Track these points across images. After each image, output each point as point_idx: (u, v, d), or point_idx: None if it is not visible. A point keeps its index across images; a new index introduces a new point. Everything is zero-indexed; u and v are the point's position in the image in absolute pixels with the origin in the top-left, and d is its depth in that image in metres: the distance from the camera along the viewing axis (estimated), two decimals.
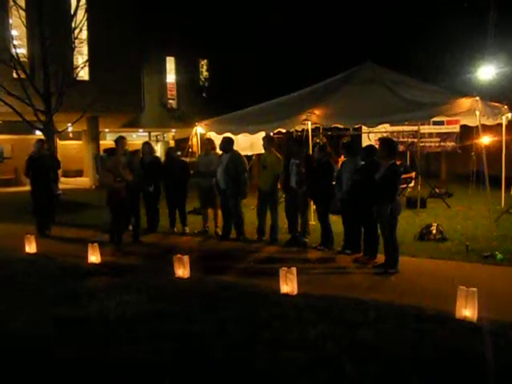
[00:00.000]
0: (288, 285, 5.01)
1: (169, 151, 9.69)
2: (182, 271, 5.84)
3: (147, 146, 9.02)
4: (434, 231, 7.60)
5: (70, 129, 24.12)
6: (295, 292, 5.02)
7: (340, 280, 5.73)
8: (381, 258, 6.17)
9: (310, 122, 8.97)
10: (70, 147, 25.49)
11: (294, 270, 5.03)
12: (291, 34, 19.80)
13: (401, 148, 13.96)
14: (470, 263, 6.27)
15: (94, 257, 6.73)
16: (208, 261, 6.81)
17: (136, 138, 28.09)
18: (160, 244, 8.17)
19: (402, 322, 4.25)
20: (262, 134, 8.88)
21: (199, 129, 10.53)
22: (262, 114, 10.37)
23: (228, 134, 9.36)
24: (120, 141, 9.24)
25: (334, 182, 6.94)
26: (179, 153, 10.76)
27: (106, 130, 25.80)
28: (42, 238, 8.42)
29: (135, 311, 4.63)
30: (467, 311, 4.10)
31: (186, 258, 5.85)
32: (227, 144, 8.15)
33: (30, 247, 7.46)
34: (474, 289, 4.14)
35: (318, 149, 7.12)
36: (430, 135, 14.08)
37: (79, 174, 24.88)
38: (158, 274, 6.03)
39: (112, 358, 3.67)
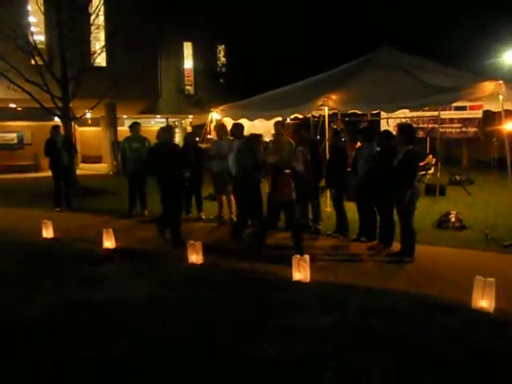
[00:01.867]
0: (301, 272, 4.96)
1: (186, 137, 9.67)
2: (196, 257, 5.83)
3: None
4: (453, 219, 7.43)
5: (88, 115, 24.37)
6: (308, 279, 4.97)
7: (354, 268, 5.65)
8: (396, 246, 6.06)
9: (326, 108, 8.81)
10: (89, 133, 25.76)
11: (306, 257, 4.97)
12: (310, 19, 19.49)
13: (421, 134, 13.69)
14: (488, 252, 6.11)
15: (108, 242, 6.77)
16: (221, 247, 6.79)
17: (154, 124, 28.18)
18: None
19: (416, 312, 4.16)
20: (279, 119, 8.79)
21: (215, 115, 10.47)
22: (278, 99, 10.24)
23: (243, 120, 9.29)
24: (135, 126, 9.33)
25: (349, 169, 6.82)
26: (197, 139, 10.71)
27: (124, 116, 25.91)
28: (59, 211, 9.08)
29: (145, 298, 4.64)
30: (484, 302, 3.98)
31: (199, 244, 5.84)
32: (237, 130, 8.07)
33: (47, 232, 7.55)
34: (492, 279, 4.02)
35: (332, 134, 7.00)
36: (451, 121, 13.75)
37: (98, 159, 25.13)
38: (171, 260, 6.04)
39: (119, 346, 3.67)
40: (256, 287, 4.88)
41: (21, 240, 7.29)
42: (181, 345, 3.62)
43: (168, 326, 3.95)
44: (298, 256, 5.00)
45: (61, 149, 9.47)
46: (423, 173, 11.05)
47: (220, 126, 8.90)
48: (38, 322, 4.14)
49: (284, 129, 8.06)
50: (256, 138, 7.29)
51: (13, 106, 18.70)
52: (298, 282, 4.94)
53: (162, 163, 7.08)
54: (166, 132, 7.61)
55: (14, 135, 19.77)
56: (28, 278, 5.41)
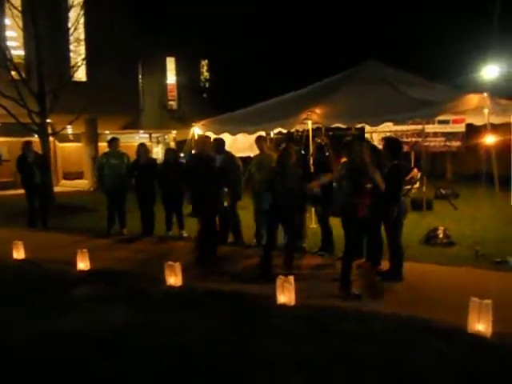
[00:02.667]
0: (285, 295, 4.68)
1: (166, 152, 9.38)
2: (174, 279, 5.51)
3: (142, 147, 8.71)
4: (441, 235, 7.24)
5: (69, 131, 23.97)
6: (293, 302, 4.68)
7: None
8: (385, 264, 5.82)
9: (310, 122, 8.63)
10: (70, 149, 25.28)
11: (291, 279, 4.69)
12: (292, 34, 19.54)
13: (405, 148, 13.60)
14: (479, 269, 5.90)
15: (82, 264, 6.41)
16: (203, 267, 6.47)
17: (138, 140, 27.85)
18: (154, 249, 7.84)
19: (407, 335, 3.90)
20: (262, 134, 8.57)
21: (196, 129, 10.22)
22: (260, 113, 10.03)
23: (226, 135, 9.05)
24: (113, 142, 9.03)
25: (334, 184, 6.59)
26: (182, 155, 10.41)
27: (107, 131, 25.52)
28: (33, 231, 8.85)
29: (118, 325, 4.31)
30: (480, 325, 3.74)
31: (177, 266, 5.52)
32: (219, 145, 7.84)
33: (18, 253, 7.15)
34: (488, 301, 3.78)
35: (316, 149, 6.80)
36: (435, 135, 13.70)
37: (79, 176, 24.62)
38: (148, 282, 5.70)
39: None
40: (237, 312, 4.57)
41: None
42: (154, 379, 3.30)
43: (139, 359, 3.63)
44: (283, 277, 4.72)
45: (33, 165, 9.11)
46: (409, 187, 10.92)
47: (201, 141, 8.63)
48: None
49: (266, 143, 7.82)
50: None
51: None
52: (283, 306, 4.65)
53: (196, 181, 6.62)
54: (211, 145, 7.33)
55: None
56: None
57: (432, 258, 6.51)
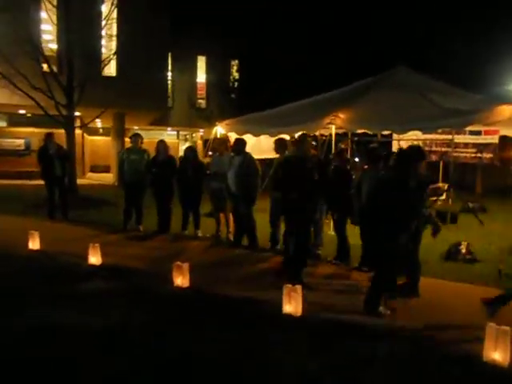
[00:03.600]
0: (291, 304, 4.50)
1: (186, 150, 9.30)
2: (181, 280, 5.40)
3: (161, 144, 8.66)
4: (464, 251, 6.91)
5: (99, 124, 24.37)
6: (299, 313, 4.50)
7: (352, 301, 5.15)
8: (400, 278, 5.56)
9: (333, 126, 8.44)
10: (99, 143, 25.66)
11: (298, 288, 4.51)
12: (323, 36, 19.27)
13: (433, 158, 13.20)
14: (502, 291, 5.57)
15: (94, 258, 6.39)
16: (212, 269, 6.36)
17: (165, 137, 28.10)
18: (168, 247, 7.78)
19: (417, 359, 3.67)
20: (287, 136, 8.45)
21: (219, 129, 10.17)
22: (284, 115, 9.90)
23: (248, 136, 8.95)
24: (135, 138, 9.03)
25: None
26: (210, 153, 10.29)
27: (135, 127, 25.84)
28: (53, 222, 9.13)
29: (117, 323, 4.23)
30: (497, 354, 3.47)
31: (185, 266, 5.42)
32: (239, 146, 7.70)
33: (34, 243, 7.20)
34: (507, 328, 3.51)
35: (336, 154, 6.59)
36: (466, 145, 13.24)
37: (106, 169, 24.97)
38: (156, 282, 5.62)
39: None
40: (239, 319, 4.42)
41: (4, 251, 6.94)
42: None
43: (132, 360, 3.52)
44: (290, 286, 4.54)
45: (53, 157, 9.20)
46: (434, 198, 10.54)
47: (220, 141, 8.54)
48: None
49: (285, 147, 7.64)
50: None
51: (22, 112, 18.67)
52: (288, 316, 4.47)
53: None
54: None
55: (22, 141, 19.68)
56: None
57: (452, 274, 6.20)
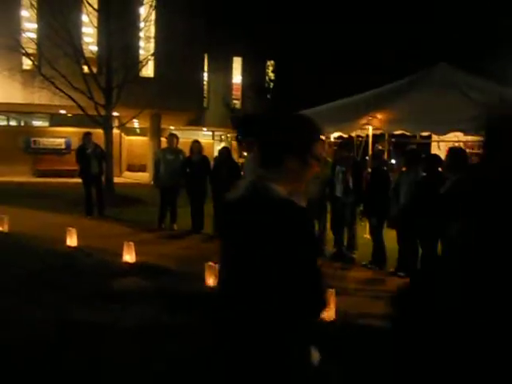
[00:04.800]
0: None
1: (220, 151, 9.31)
2: (213, 280, 5.38)
3: (195, 144, 8.70)
4: None
5: (136, 124, 24.85)
6: (332, 317, 4.38)
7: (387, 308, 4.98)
8: None
9: (371, 127, 8.25)
10: (136, 142, 26.17)
11: (332, 292, 4.39)
12: (360, 36, 18.95)
13: (475, 160, 12.70)
14: None
15: (128, 256, 6.47)
16: None
17: (201, 137, 28.39)
18: (201, 247, 7.79)
19: None
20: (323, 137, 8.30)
21: None
22: (320, 116, 9.74)
23: None
24: (170, 138, 9.11)
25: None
26: (245, 154, 10.34)
27: (171, 127, 26.21)
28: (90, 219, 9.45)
29: (146, 323, 4.23)
30: None
31: (217, 267, 5.38)
32: None
33: (71, 240, 7.36)
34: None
35: (373, 156, 6.41)
36: None
37: (143, 169, 25.44)
38: (188, 281, 5.62)
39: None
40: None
41: (43, 247, 7.13)
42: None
43: (168, 360, 3.51)
44: None
45: (91, 156, 9.41)
46: None
47: (254, 141, 8.48)
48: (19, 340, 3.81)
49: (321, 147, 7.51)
50: None
51: (63, 112, 19.24)
52: (320, 321, 4.36)
53: None
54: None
55: (62, 141, 20.29)
56: (33, 290, 5.15)
57: None
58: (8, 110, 20.11)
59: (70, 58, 12.74)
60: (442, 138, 10.72)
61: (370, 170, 7.75)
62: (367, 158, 8.43)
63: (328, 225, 7.12)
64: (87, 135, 9.56)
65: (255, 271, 1.50)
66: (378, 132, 9.43)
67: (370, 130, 8.23)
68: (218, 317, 1.69)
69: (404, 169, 6.50)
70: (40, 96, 15.38)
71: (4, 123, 22.09)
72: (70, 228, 7.43)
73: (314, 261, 1.52)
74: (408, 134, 9.64)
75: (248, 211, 1.56)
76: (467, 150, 10.48)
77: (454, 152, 5.26)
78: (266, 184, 1.55)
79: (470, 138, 11.45)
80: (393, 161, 13.54)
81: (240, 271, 1.57)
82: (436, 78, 8.88)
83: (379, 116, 7.95)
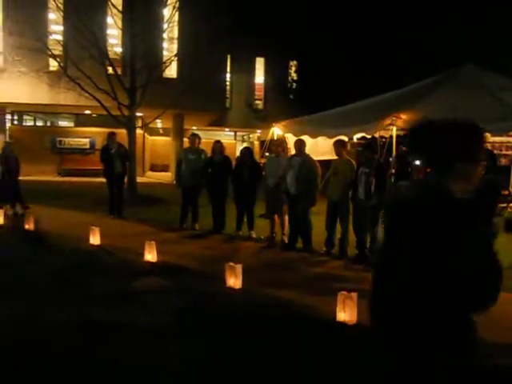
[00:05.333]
0: (346, 312, 4.31)
1: (242, 151, 9.31)
2: (234, 281, 5.37)
3: (217, 144, 8.71)
4: None
5: (159, 125, 25.10)
6: (354, 321, 4.31)
7: None
8: None
9: (394, 128, 8.10)
10: (159, 143, 26.44)
11: (354, 296, 4.32)
12: (384, 35, 18.69)
13: (503, 161, 12.41)
14: None
15: (150, 255, 6.51)
16: (266, 271, 6.28)
17: (223, 137, 28.48)
18: (222, 247, 7.80)
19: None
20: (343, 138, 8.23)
21: (276, 130, 10.09)
22: (343, 117, 9.65)
23: (306, 137, 8.80)
24: (192, 138, 9.16)
25: None
26: (267, 154, 10.30)
27: (194, 127, 26.37)
28: (113, 218, 9.64)
29: (167, 324, 4.25)
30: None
31: (238, 268, 5.37)
32: (299, 146, 7.59)
33: (94, 239, 7.46)
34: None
35: (396, 158, 6.30)
36: None
37: (165, 168, 25.67)
38: (209, 281, 5.63)
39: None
40: (291, 325, 4.30)
41: (67, 245, 7.25)
42: None
43: (173, 364, 3.50)
44: (345, 293, 4.36)
45: (114, 156, 9.52)
46: (503, 205, 9.87)
47: (277, 142, 8.46)
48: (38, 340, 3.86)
49: (345, 148, 7.43)
50: None
51: (87, 112, 19.56)
52: (343, 324, 4.30)
53: None
54: None
55: (87, 140, 20.65)
56: (57, 288, 5.23)
57: None
58: (35, 110, 20.58)
59: (95, 59, 12.94)
60: None
61: (393, 171, 7.63)
62: (391, 159, 8.28)
63: (350, 226, 7.04)
64: (111, 135, 9.69)
65: (436, 265, 1.65)
66: (402, 133, 9.26)
67: (394, 131, 8.07)
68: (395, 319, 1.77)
69: (428, 170, 6.35)
70: (66, 97, 15.66)
71: (31, 123, 22.60)
72: (94, 227, 7.53)
73: (489, 251, 1.74)
74: None
75: (426, 209, 1.72)
76: (495, 152, 10.25)
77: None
78: (440, 185, 1.76)
79: (497, 138, 11.21)
80: (417, 162, 13.32)
81: (419, 267, 1.69)
82: (462, 78, 8.67)
83: (403, 116, 7.78)
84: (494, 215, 5.12)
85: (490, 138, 10.63)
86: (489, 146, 11.12)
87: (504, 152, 12.26)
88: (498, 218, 6.04)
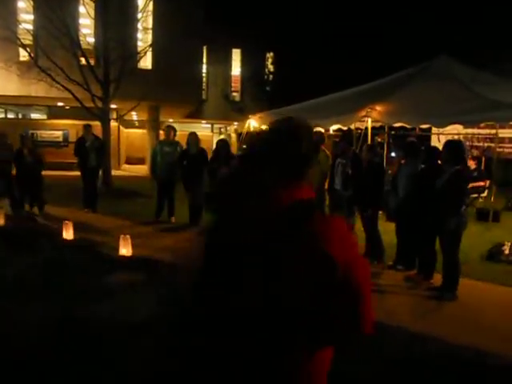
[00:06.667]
0: None
1: (218, 143, 9.22)
2: None
3: (192, 136, 8.61)
4: (507, 251, 6.55)
5: (134, 117, 24.71)
6: None
7: (386, 301, 4.95)
8: (438, 278, 5.31)
9: (369, 119, 8.19)
10: (134, 135, 26.04)
11: None
12: (360, 27, 18.79)
13: (475, 153, 12.65)
14: None
15: (124, 249, 6.41)
16: None
17: (200, 130, 28.22)
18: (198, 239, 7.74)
19: (453, 365, 3.45)
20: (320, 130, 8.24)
21: (252, 122, 10.08)
22: (319, 108, 9.70)
23: None
24: (167, 130, 9.03)
25: (385, 187, 6.15)
26: (244, 146, 10.26)
27: (170, 120, 26.05)
28: (87, 212, 9.45)
29: (144, 318, 4.18)
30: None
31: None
32: None
33: (67, 234, 7.31)
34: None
35: (367, 149, 6.35)
36: (510, 140, 12.62)
37: (141, 161, 25.33)
38: (186, 274, 5.57)
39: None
40: None
41: (39, 240, 7.07)
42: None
43: (153, 357, 3.46)
44: None
45: (89, 149, 9.33)
46: (475, 196, 10.09)
47: (252, 134, 8.43)
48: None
49: (323, 141, 7.44)
50: None
51: (60, 104, 19.11)
52: None
53: None
54: None
55: (60, 133, 20.17)
56: (29, 286, 5.11)
57: (494, 276, 5.87)
58: (5, 102, 19.97)
59: (67, 49, 12.61)
60: (441, 130, 10.67)
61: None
62: (361, 150, 8.37)
63: None
64: (87, 127, 9.49)
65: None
66: (378, 124, 9.36)
67: (369, 123, 8.16)
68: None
69: (403, 161, 6.43)
70: (37, 88, 15.23)
71: (2, 116, 21.96)
72: (67, 221, 7.38)
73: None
74: (407, 126, 9.59)
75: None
76: (467, 143, 10.44)
77: (450, 145, 5.20)
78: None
79: (469, 130, 11.43)
80: (392, 153, 13.47)
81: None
82: (436, 70, 8.81)
83: (378, 108, 7.88)
84: (463, 205, 5.21)
85: (463, 129, 10.85)
86: (461, 137, 11.34)
87: (476, 144, 12.51)
88: (470, 207, 6.15)
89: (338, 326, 1.25)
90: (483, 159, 12.69)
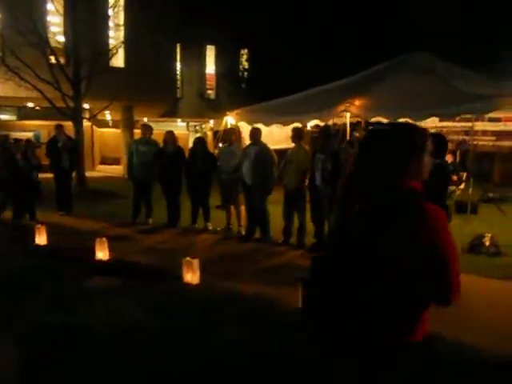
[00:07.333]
0: None
1: (194, 141, 9.03)
2: (191, 276, 5.17)
3: (169, 135, 8.41)
4: (488, 243, 6.57)
5: (108, 116, 24.19)
6: None
7: None
8: None
9: (348, 114, 8.12)
10: (108, 135, 25.49)
11: None
12: (336, 23, 18.81)
13: (450, 146, 12.77)
14: None
15: (101, 253, 6.18)
16: (224, 264, 6.11)
17: (176, 128, 27.81)
18: (177, 241, 7.55)
19: (438, 361, 3.39)
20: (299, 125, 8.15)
21: (230, 119, 9.89)
22: (297, 104, 9.59)
23: (259, 125, 8.65)
24: (143, 129, 8.82)
25: None
26: (221, 145, 10.04)
27: (145, 118, 25.61)
28: (62, 215, 9.16)
29: (123, 325, 4.01)
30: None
31: (195, 262, 5.17)
32: (255, 135, 7.42)
33: (40, 238, 7.02)
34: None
35: (347, 144, 6.28)
36: (485, 133, 12.77)
37: (116, 161, 24.83)
38: (165, 278, 5.40)
39: None
40: (254, 319, 4.17)
41: (11, 246, 6.78)
42: None
43: (139, 366, 3.30)
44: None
45: (62, 150, 9.01)
46: (453, 189, 10.16)
47: (229, 131, 8.28)
48: None
49: (302, 137, 7.34)
50: None
51: (30, 105, 18.53)
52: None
53: None
54: None
55: (31, 134, 19.57)
56: (1, 293, 4.85)
57: (475, 268, 5.87)
58: None
59: (35, 47, 12.18)
60: (418, 123, 10.70)
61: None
62: (342, 146, 8.30)
63: (308, 215, 6.98)
64: (59, 128, 9.18)
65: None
66: (355, 120, 9.31)
67: (348, 118, 8.10)
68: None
69: None
70: (4, 88, 14.67)
71: None
72: (39, 225, 7.08)
73: None
74: (385, 120, 9.57)
75: None
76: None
77: (435, 138, 5.15)
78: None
79: (445, 124, 11.52)
80: None
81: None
82: (413, 64, 8.82)
83: (357, 103, 7.83)
84: (446, 198, 5.13)
85: (438, 122, 10.91)
86: (438, 130, 11.41)
87: (451, 137, 12.61)
88: (449, 200, 6.11)
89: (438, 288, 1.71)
90: (458, 152, 12.82)
